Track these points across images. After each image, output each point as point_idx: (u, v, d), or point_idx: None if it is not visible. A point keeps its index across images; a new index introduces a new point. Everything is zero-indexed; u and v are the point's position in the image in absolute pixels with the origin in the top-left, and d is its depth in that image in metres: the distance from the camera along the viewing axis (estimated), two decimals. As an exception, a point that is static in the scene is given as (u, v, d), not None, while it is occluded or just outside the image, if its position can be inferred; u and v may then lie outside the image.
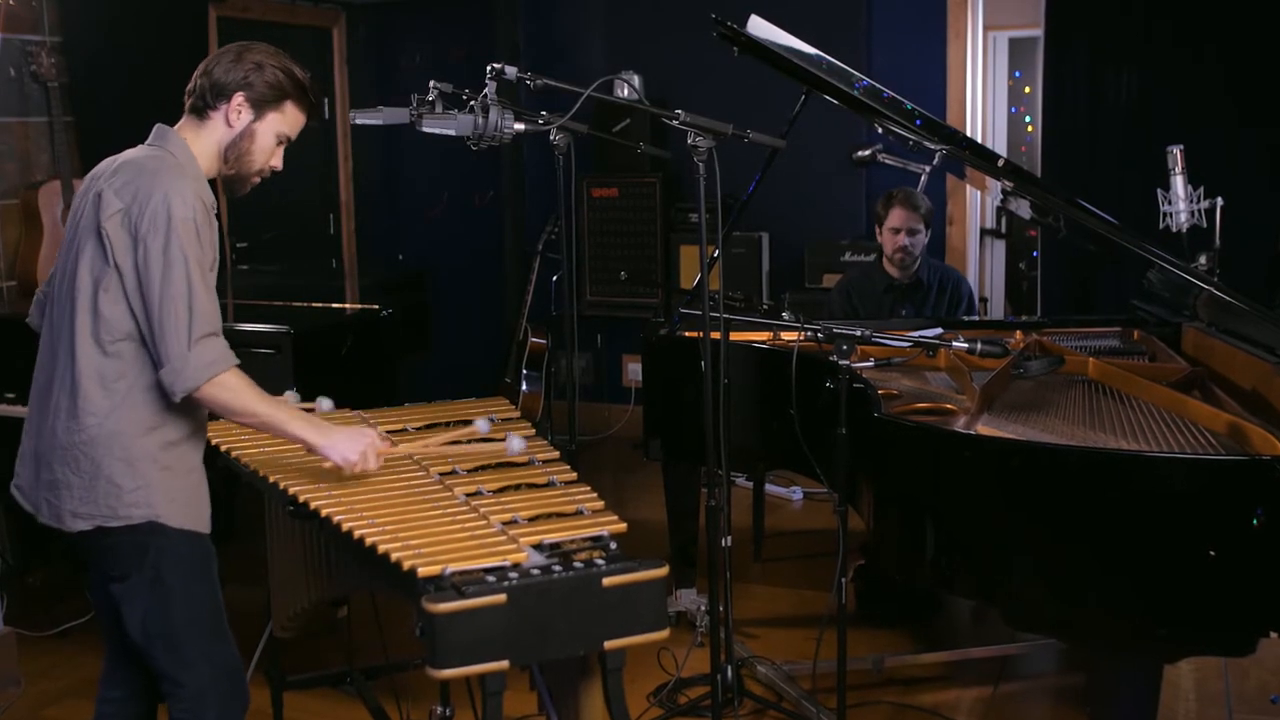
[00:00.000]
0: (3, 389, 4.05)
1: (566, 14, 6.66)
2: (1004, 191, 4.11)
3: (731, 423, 3.27)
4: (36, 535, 3.88)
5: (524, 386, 6.16)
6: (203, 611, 2.52)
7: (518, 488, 2.55)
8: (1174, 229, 3.81)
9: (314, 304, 4.52)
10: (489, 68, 2.86)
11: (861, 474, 3.05)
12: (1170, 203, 3.80)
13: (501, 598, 2.05)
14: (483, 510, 2.39)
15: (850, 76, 3.40)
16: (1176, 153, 3.78)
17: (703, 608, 3.90)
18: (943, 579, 2.89)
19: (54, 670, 3.90)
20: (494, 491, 2.51)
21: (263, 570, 2.95)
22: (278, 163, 2.59)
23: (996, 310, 6.36)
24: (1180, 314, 3.81)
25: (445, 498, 2.48)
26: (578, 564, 2.16)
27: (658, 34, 6.32)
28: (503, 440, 2.66)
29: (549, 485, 2.56)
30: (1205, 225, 3.79)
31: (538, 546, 2.23)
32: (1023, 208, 4.18)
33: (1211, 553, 2.43)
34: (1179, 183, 3.78)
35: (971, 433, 2.83)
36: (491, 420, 2.81)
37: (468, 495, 2.48)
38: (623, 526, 2.33)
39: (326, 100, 6.82)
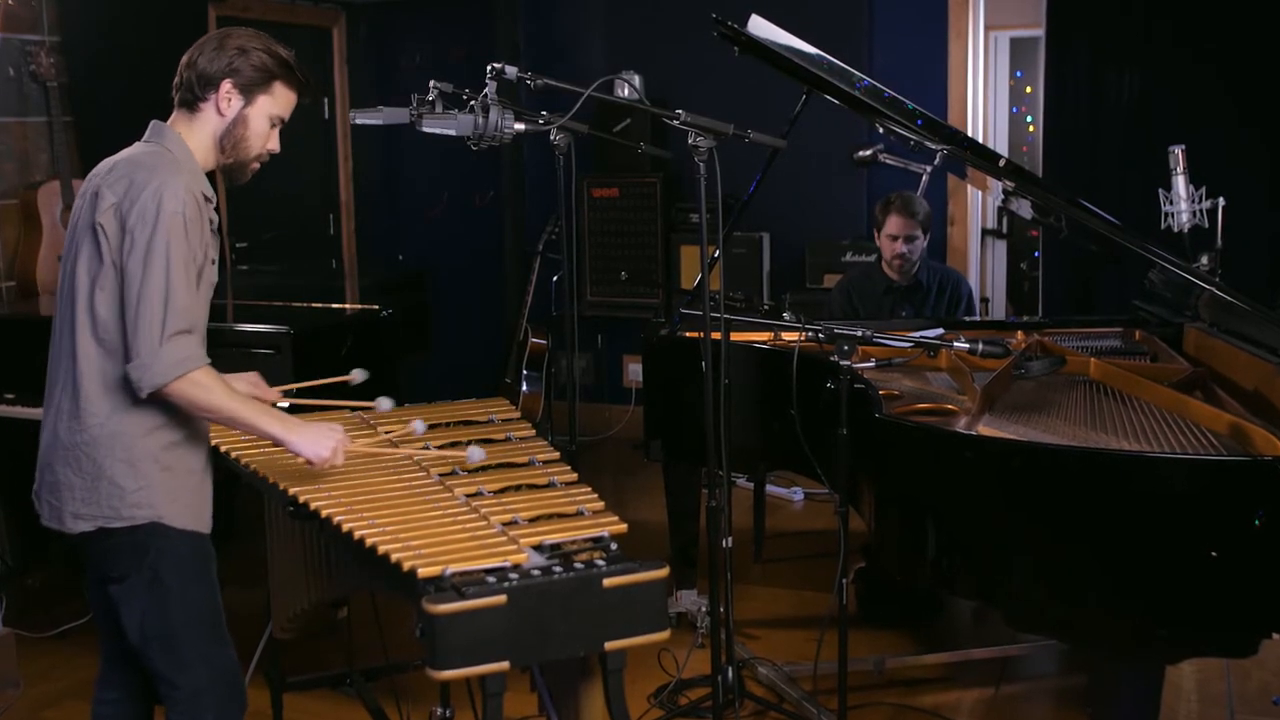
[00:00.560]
0: (2, 389, 4.05)
1: (566, 14, 6.65)
2: (1005, 192, 4.11)
3: (732, 423, 3.26)
4: (36, 536, 3.89)
5: (524, 387, 6.16)
6: (201, 613, 2.51)
7: (518, 488, 2.54)
8: (1175, 229, 3.80)
9: (314, 304, 4.52)
10: (489, 67, 2.86)
11: (862, 475, 3.05)
12: (1172, 203, 3.79)
13: (502, 599, 2.05)
14: (483, 511, 2.39)
15: (851, 76, 3.40)
16: (1178, 152, 3.77)
17: (703, 609, 3.89)
18: (944, 580, 2.88)
19: (53, 671, 3.89)
20: (494, 492, 2.51)
21: (263, 571, 2.95)
22: (274, 145, 2.58)
23: (998, 310, 6.35)
24: (1182, 314, 3.81)
25: (445, 498, 2.48)
26: (578, 565, 2.16)
27: (658, 34, 6.31)
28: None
29: (549, 486, 2.56)
30: (1207, 225, 3.78)
31: (538, 547, 2.22)
32: (1024, 208, 4.17)
33: (1213, 553, 2.42)
34: (1180, 183, 3.77)
35: (973, 433, 2.82)
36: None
37: (468, 496, 2.48)
38: (623, 527, 2.33)
39: (326, 100, 6.82)
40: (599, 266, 6.45)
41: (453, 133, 2.80)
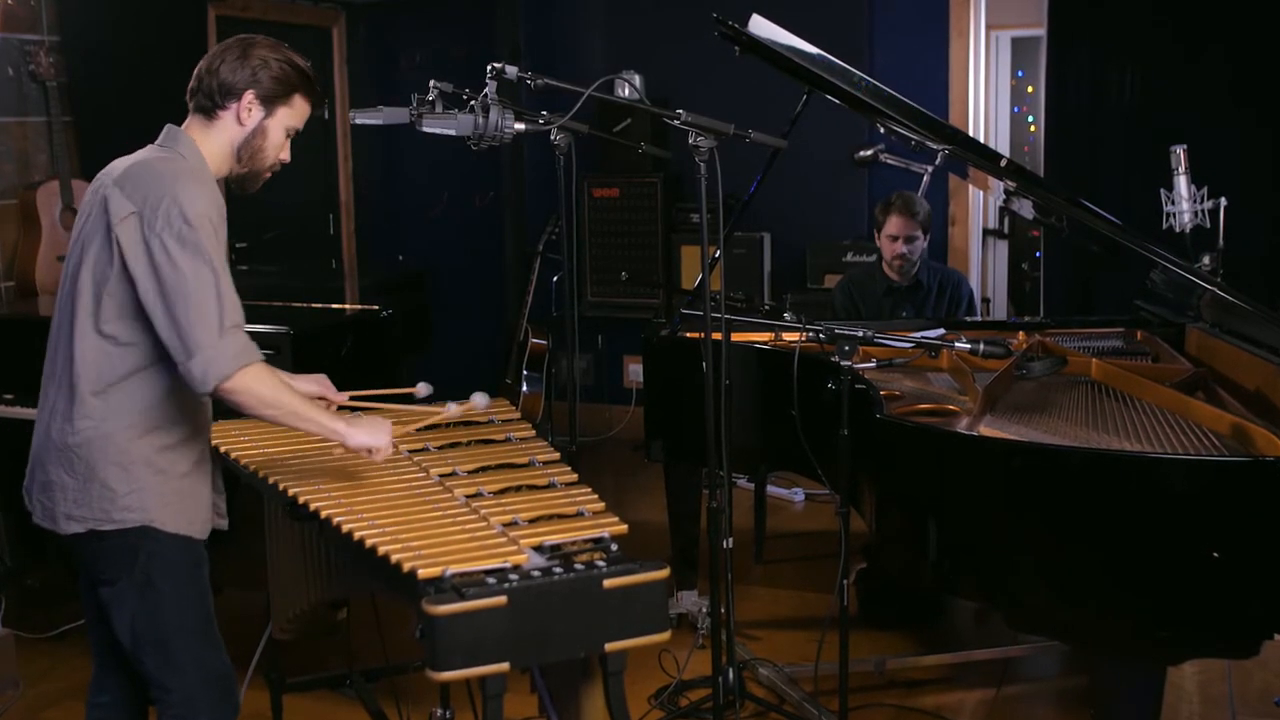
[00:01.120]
0: (1, 389, 4.04)
1: (566, 14, 6.65)
2: (1007, 192, 4.11)
3: (733, 424, 3.26)
4: (35, 537, 3.88)
5: (525, 387, 6.16)
6: (192, 617, 2.49)
7: (518, 489, 2.54)
8: (1177, 229, 3.79)
9: (314, 304, 4.51)
10: (489, 67, 2.85)
11: (863, 475, 3.04)
12: (1173, 203, 3.78)
13: (502, 600, 2.04)
14: (483, 512, 2.38)
15: (852, 76, 3.39)
16: (1180, 152, 3.77)
17: (704, 609, 3.88)
18: (945, 580, 2.88)
19: (52, 672, 3.89)
20: (494, 493, 2.51)
21: (262, 572, 2.94)
22: (286, 156, 2.58)
23: (999, 311, 6.35)
24: (1183, 314, 3.80)
25: (445, 499, 2.47)
26: (578, 566, 2.15)
27: (658, 34, 6.31)
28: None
29: (549, 487, 2.55)
30: (1209, 225, 3.77)
31: (538, 548, 2.22)
32: (1025, 208, 4.17)
33: (1214, 554, 2.42)
34: (1182, 183, 3.77)
35: (974, 434, 2.82)
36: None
37: (468, 497, 2.47)
38: (623, 528, 2.32)
39: (326, 100, 6.81)
40: (599, 267, 6.44)
41: (453, 133, 2.79)
